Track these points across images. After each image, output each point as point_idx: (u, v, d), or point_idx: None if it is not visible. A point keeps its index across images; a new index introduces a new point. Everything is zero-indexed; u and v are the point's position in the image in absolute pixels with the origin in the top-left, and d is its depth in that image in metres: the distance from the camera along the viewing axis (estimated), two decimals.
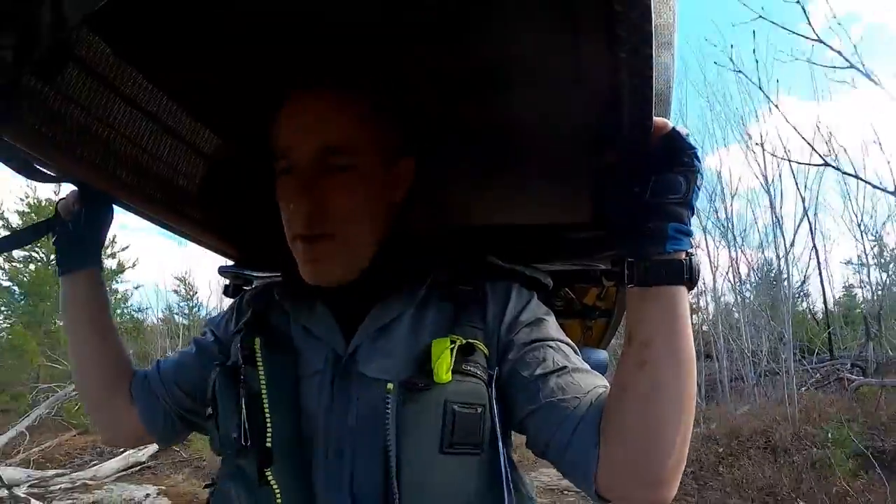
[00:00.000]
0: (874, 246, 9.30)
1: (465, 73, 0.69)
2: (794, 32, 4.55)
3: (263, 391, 0.63)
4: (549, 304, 0.73)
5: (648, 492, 0.55)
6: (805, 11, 3.90)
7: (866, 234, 8.51)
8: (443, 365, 0.59)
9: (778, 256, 8.52)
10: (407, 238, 0.72)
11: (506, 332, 0.66)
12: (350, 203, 0.64)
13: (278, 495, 0.60)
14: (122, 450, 6.34)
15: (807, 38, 4.09)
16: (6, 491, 4.97)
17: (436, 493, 0.58)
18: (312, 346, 0.68)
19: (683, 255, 0.54)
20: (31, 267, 11.76)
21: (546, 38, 0.60)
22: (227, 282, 0.99)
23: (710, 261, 9.06)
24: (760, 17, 4.25)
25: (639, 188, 0.53)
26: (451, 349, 0.61)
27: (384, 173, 0.67)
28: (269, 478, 0.60)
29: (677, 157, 0.53)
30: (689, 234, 0.54)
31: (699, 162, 0.53)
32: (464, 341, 0.62)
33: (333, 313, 0.68)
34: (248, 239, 1.00)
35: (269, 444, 0.61)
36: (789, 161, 6.53)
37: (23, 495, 5.11)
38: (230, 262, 1.03)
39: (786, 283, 8.49)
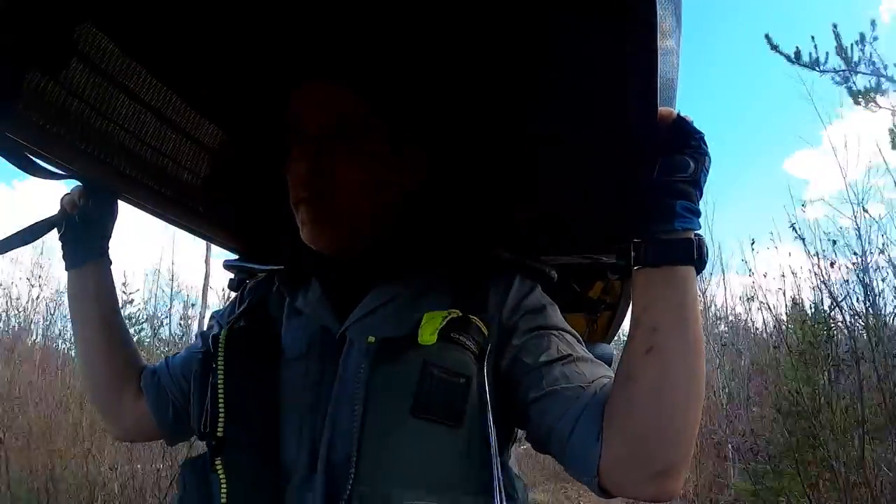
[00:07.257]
0: None
1: (470, 66, 0.69)
2: None
3: (220, 381, 0.63)
4: (553, 297, 0.72)
5: (654, 484, 0.52)
6: None
7: None
8: (428, 327, 0.58)
9: None
10: (414, 227, 0.72)
11: (508, 316, 0.64)
12: (352, 173, 0.64)
13: (223, 484, 0.59)
14: None
15: None
16: None
17: (402, 458, 0.55)
18: (303, 327, 0.68)
19: (692, 235, 0.53)
20: None
21: (553, 30, 0.60)
22: (232, 275, 1.00)
23: None
24: None
25: (646, 170, 0.53)
26: (445, 317, 0.59)
27: (391, 156, 0.68)
28: (218, 467, 0.60)
29: (685, 141, 0.53)
30: (697, 213, 0.53)
31: (706, 145, 0.53)
32: (460, 314, 0.60)
33: (329, 294, 0.68)
34: (251, 232, 1.00)
35: (220, 434, 0.61)
36: None
37: None
38: (234, 256, 1.03)
39: None
